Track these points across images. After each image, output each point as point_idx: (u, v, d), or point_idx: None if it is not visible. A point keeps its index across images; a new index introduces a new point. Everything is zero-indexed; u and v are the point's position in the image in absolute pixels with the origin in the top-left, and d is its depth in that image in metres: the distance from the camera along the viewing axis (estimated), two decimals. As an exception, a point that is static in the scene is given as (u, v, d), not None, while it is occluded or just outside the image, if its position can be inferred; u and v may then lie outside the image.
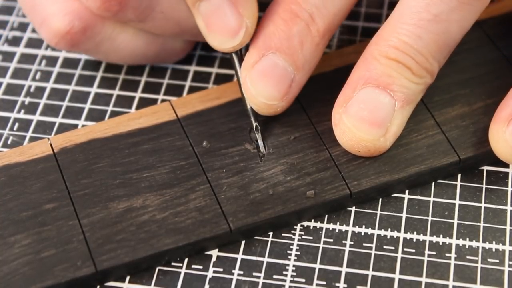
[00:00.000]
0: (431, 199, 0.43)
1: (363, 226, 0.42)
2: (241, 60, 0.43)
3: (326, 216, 0.42)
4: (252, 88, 0.42)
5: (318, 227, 0.42)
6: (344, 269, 0.40)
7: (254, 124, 0.43)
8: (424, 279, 0.40)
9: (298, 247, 0.41)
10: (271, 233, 0.42)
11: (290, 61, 0.42)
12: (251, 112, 0.43)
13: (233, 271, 0.41)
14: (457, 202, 0.43)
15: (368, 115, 0.41)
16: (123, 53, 0.46)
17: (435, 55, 0.41)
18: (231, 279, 0.40)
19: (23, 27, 0.51)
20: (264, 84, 0.42)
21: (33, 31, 0.51)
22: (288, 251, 0.41)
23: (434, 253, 0.41)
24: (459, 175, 0.43)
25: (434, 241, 0.41)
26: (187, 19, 0.44)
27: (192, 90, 0.48)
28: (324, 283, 0.40)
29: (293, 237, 0.42)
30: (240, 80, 0.43)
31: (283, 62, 0.42)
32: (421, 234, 0.41)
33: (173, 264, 0.41)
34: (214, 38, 0.42)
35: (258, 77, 0.42)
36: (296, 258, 0.41)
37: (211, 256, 0.41)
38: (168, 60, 0.48)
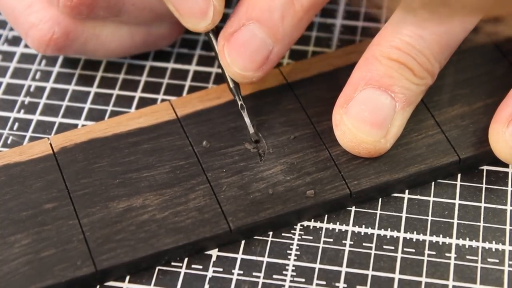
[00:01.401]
0: (431, 199, 0.43)
1: (363, 226, 0.42)
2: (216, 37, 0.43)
3: (326, 215, 0.42)
4: (229, 57, 0.42)
5: (318, 227, 0.42)
6: (344, 269, 0.40)
7: (239, 103, 0.43)
8: (424, 279, 0.40)
9: (298, 247, 0.41)
10: (271, 233, 0.42)
11: (269, 33, 0.42)
12: (235, 91, 0.43)
13: (233, 271, 0.41)
14: (457, 202, 0.43)
15: (369, 116, 0.41)
16: (111, 47, 0.46)
17: (437, 56, 0.41)
18: (231, 279, 0.40)
19: (23, 27, 0.51)
20: (241, 55, 0.42)
21: (33, 31, 0.51)
22: (288, 251, 0.41)
23: (434, 253, 0.41)
24: (459, 175, 0.43)
25: (434, 241, 0.41)
26: (160, 4, 0.44)
27: (192, 90, 0.48)
28: (324, 283, 0.40)
29: (293, 237, 0.42)
30: (217, 49, 0.43)
31: (262, 33, 0.42)
32: (421, 234, 0.41)
33: (173, 263, 0.41)
34: (186, 21, 0.43)
35: (235, 47, 0.42)
36: (296, 258, 0.41)
37: (211, 255, 0.41)
38: (159, 45, 0.48)
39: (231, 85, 0.43)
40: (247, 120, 0.43)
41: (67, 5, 0.43)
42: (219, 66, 0.43)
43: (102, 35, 0.45)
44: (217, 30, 0.43)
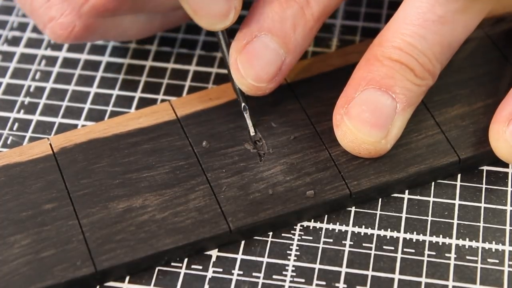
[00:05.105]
0: (431, 199, 0.43)
1: (363, 226, 0.42)
2: (225, 35, 0.43)
3: (326, 216, 0.42)
4: (242, 69, 0.42)
5: (317, 227, 0.42)
6: (343, 269, 0.40)
7: (242, 104, 0.43)
8: (423, 279, 0.40)
9: (297, 247, 0.41)
10: (270, 233, 0.42)
11: (281, 43, 0.42)
12: (239, 92, 0.43)
13: (232, 271, 0.41)
14: (457, 202, 0.43)
15: (370, 117, 0.41)
16: (130, 34, 0.46)
17: (438, 57, 0.41)
18: (231, 279, 0.40)
19: (23, 27, 0.51)
20: (254, 66, 0.42)
21: (33, 31, 0.51)
22: (288, 251, 0.41)
23: (433, 253, 0.41)
24: (459, 175, 0.43)
25: (433, 241, 0.41)
26: None
27: (191, 90, 0.48)
28: (324, 283, 0.40)
29: (293, 237, 0.42)
30: (229, 61, 0.43)
31: (274, 44, 0.42)
32: (421, 234, 0.41)
33: (172, 264, 0.41)
34: (202, 21, 0.42)
35: (248, 59, 0.42)
36: (295, 258, 0.41)
37: (210, 256, 0.41)
38: (176, 25, 0.48)
39: (236, 86, 0.43)
40: (248, 121, 0.43)
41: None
42: (228, 71, 0.43)
43: (121, 25, 0.45)
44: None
